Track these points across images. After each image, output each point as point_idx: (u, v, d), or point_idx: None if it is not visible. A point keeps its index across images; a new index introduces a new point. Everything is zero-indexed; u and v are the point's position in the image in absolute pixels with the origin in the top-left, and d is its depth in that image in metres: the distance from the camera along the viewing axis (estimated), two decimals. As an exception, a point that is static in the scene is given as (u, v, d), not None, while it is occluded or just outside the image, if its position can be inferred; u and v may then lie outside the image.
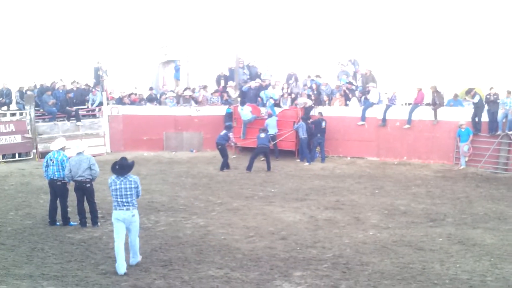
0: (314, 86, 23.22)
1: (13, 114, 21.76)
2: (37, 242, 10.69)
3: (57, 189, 11.96)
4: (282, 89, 23.55)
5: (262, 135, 19.46)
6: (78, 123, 22.64)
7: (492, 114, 19.11)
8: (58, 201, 12.01)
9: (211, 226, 12.01)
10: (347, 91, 22.44)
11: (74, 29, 30.68)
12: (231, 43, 26.04)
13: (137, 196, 9.29)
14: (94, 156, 13.19)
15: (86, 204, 11.96)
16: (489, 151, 18.97)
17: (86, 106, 23.80)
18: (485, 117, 19.33)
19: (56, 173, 11.90)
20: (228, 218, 12.69)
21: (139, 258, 9.46)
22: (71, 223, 12.02)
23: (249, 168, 19.07)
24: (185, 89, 25.00)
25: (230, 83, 24.83)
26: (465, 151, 19.24)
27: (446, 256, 9.88)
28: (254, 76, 25.16)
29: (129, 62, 28.08)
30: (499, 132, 19.02)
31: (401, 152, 21.02)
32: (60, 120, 22.51)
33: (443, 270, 9.10)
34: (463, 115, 19.84)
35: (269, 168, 19.31)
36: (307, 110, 22.05)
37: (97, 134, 23.00)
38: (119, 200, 9.07)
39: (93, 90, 23.98)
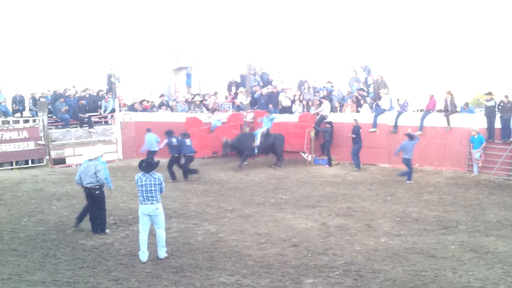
0: (325, 92, 23.19)
1: (26, 121, 21.89)
2: (50, 249, 10.76)
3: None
4: (294, 95, 23.61)
5: (188, 141, 19.08)
6: (91, 129, 22.77)
7: (505, 121, 19.00)
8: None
9: (222, 232, 12.03)
10: (359, 97, 22.40)
11: (87, 36, 30.96)
12: (242, 50, 26.14)
13: (161, 191, 10.13)
14: (106, 162, 13.29)
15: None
16: (502, 158, 18.85)
17: (98, 113, 23.94)
18: (497, 124, 19.21)
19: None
20: (239, 225, 12.71)
21: (165, 253, 10.10)
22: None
23: (186, 175, 18.81)
24: (195, 96, 25.12)
25: (241, 89, 24.89)
26: (477, 158, 19.14)
27: (459, 264, 9.83)
28: (265, 82, 25.23)
29: (141, 68, 28.28)
30: (511, 139, 18.89)
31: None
32: (73, 127, 22.66)
33: (455, 278, 9.06)
34: (476, 122, 19.74)
35: (186, 176, 18.91)
36: (320, 118, 22.10)
37: (109, 140, 23.09)
38: (144, 195, 9.95)
39: (106, 97, 24.13)
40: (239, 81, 25.57)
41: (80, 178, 11.72)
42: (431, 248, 10.82)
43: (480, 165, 19.27)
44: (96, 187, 11.73)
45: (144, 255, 9.96)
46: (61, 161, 21.82)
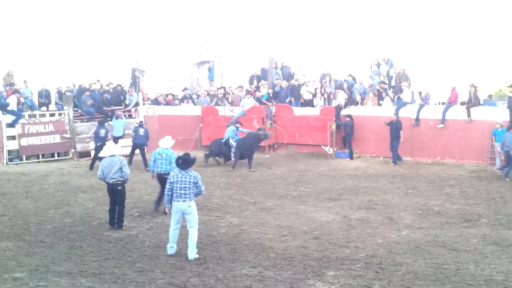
0: (346, 86, 23.11)
1: (52, 115, 22.26)
2: (76, 240, 10.98)
3: (163, 181, 12.48)
4: (316, 89, 23.59)
5: (141, 130, 19.55)
6: (115, 123, 23.04)
7: (527, 114, 18.80)
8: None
9: (245, 225, 12.14)
10: (381, 90, 22.30)
11: (112, 30, 31.26)
12: (264, 44, 26.16)
13: (199, 192, 10.06)
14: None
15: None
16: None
17: (122, 107, 24.18)
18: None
19: (163, 166, 12.75)
20: (261, 217, 12.80)
21: (196, 254, 9.82)
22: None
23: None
24: (219, 89, 25.26)
25: (262, 82, 24.94)
26: (499, 151, 18.96)
27: (481, 257, 9.81)
28: (287, 76, 25.23)
29: (165, 62, 28.52)
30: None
31: (434, 152, 20.82)
32: (98, 121, 22.97)
33: (477, 271, 9.04)
34: (499, 114, 19.56)
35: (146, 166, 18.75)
36: (337, 110, 22.10)
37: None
38: (178, 192, 9.81)
39: (129, 90, 24.40)
40: (260, 74, 25.63)
41: (103, 174, 11.72)
42: (453, 241, 10.80)
43: (502, 157, 19.09)
44: (118, 182, 11.71)
45: (172, 250, 9.98)
46: (86, 154, 22.13)
